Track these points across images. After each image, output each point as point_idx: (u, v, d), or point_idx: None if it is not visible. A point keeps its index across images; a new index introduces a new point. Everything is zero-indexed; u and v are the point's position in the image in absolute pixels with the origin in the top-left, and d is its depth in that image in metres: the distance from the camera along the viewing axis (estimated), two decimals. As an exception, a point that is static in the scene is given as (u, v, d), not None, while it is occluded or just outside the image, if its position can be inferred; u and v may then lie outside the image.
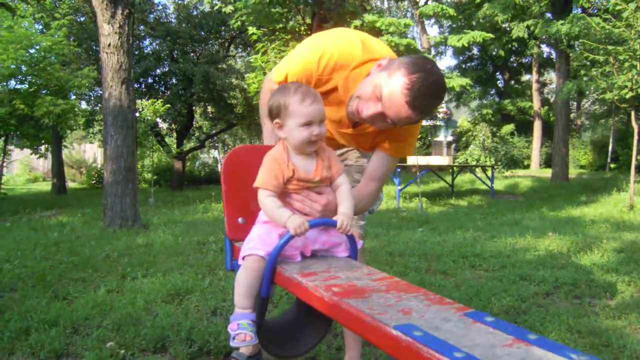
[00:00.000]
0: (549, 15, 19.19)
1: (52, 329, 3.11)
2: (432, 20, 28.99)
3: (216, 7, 13.55)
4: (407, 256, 5.37)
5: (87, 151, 29.75)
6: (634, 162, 10.18)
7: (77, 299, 3.77)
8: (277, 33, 9.57)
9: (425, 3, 22.31)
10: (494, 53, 28.07)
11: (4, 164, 12.69)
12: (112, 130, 7.48)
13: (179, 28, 18.19)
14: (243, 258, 1.83)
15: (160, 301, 3.72)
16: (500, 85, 33.32)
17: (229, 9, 9.94)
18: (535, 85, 29.18)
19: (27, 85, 11.81)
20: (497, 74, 33.15)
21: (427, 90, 1.79)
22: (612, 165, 24.54)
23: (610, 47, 10.08)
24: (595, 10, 16.78)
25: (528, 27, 20.13)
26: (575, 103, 30.22)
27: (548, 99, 31.47)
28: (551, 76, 33.22)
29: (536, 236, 6.66)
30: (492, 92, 33.46)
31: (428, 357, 1.12)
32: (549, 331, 3.16)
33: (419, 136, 25.55)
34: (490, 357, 1.09)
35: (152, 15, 18.70)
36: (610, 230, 7.42)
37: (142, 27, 18.07)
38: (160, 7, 20.65)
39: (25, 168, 30.01)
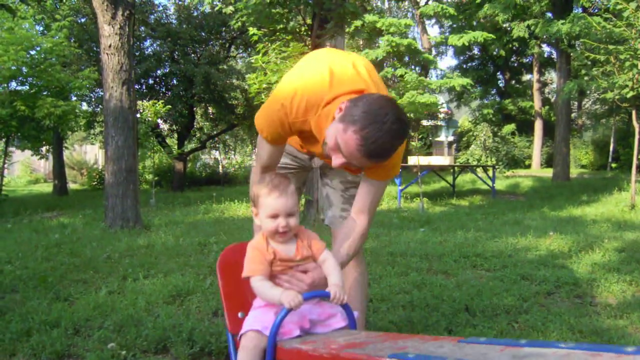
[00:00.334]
0: (549, 14, 19.19)
1: (53, 330, 3.11)
2: (433, 21, 28.97)
3: (216, 8, 13.55)
4: (409, 256, 5.36)
5: (88, 152, 29.80)
6: (635, 162, 10.17)
7: (79, 300, 3.78)
8: (277, 33, 9.56)
9: (426, 3, 22.32)
10: (494, 53, 28.08)
11: (5, 165, 12.71)
12: (113, 132, 7.48)
13: (180, 29, 18.20)
14: (240, 338, 1.87)
15: (161, 302, 3.72)
16: (501, 85, 33.31)
17: (229, 9, 9.94)
18: (536, 85, 29.17)
19: (27, 87, 11.83)
20: (498, 73, 33.15)
21: (383, 140, 1.77)
22: (613, 165, 24.56)
23: (611, 47, 10.07)
24: (596, 10, 16.81)
25: (529, 26, 20.11)
26: (576, 103, 30.20)
27: (549, 99, 31.46)
28: (552, 76, 33.21)
29: (537, 236, 6.65)
30: (493, 92, 33.46)
31: None
32: (550, 331, 3.15)
33: (420, 136, 25.62)
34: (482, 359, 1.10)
35: (152, 16, 18.71)
36: (612, 230, 7.41)
37: (142, 28, 18.09)
38: (160, 8, 20.66)
39: (27, 169, 30.07)
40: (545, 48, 28.71)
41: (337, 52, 2.26)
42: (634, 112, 10.38)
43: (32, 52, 11.62)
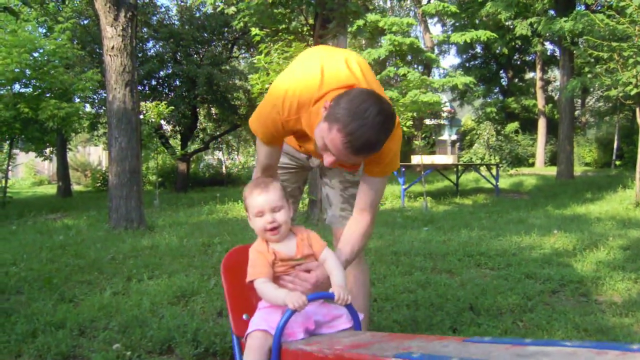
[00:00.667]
0: (552, 12, 19.16)
1: (58, 331, 3.12)
2: (435, 19, 28.95)
3: (219, 9, 13.56)
4: (412, 255, 5.36)
5: (92, 154, 29.90)
6: (639, 159, 10.14)
7: (83, 301, 3.79)
8: (280, 34, 9.58)
9: (428, 2, 22.29)
10: (497, 51, 28.01)
11: (10, 167, 12.74)
12: (117, 133, 7.49)
13: (182, 30, 18.22)
14: (246, 338, 1.87)
15: (166, 303, 3.73)
16: (504, 83, 33.23)
17: (231, 10, 9.95)
18: (539, 83, 29.09)
19: (31, 89, 11.87)
20: (501, 72, 33.06)
21: (367, 136, 1.76)
22: (618, 163, 24.49)
23: (614, 44, 10.04)
24: (599, 7, 16.76)
25: (531, 24, 20.08)
26: (579, 100, 30.13)
27: (552, 97, 31.39)
28: (555, 74, 33.13)
29: (541, 234, 6.64)
30: (496, 90, 33.38)
31: None
32: (555, 329, 3.15)
33: (423, 135, 25.60)
34: (486, 358, 1.10)
35: (155, 18, 18.74)
36: (616, 228, 7.39)
37: (145, 30, 18.11)
38: (163, 10, 20.62)
39: (31, 171, 30.16)
40: (548, 46, 28.65)
41: (331, 49, 2.27)
42: (637, 110, 10.36)
43: (35, 55, 11.66)
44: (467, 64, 32.52)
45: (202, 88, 17.04)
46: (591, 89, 24.67)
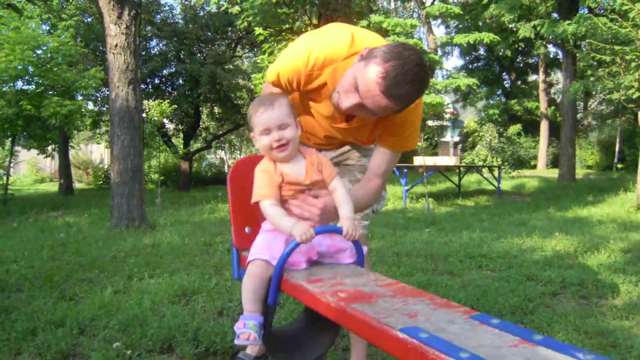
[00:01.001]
0: (555, 15, 19.15)
1: (58, 329, 3.12)
2: (439, 21, 28.95)
3: (223, 8, 13.57)
4: (414, 256, 5.36)
5: (94, 152, 29.90)
6: (641, 162, 10.14)
7: (84, 300, 3.79)
8: (283, 33, 9.59)
9: (432, 3, 22.28)
10: (500, 53, 28.01)
11: (12, 164, 12.75)
12: (119, 131, 7.50)
13: (186, 29, 18.22)
14: (247, 264, 1.84)
15: (166, 302, 3.73)
16: (506, 85, 33.25)
17: (235, 9, 9.96)
18: (541, 86, 29.10)
19: (34, 86, 11.86)
20: (504, 74, 33.09)
21: (403, 78, 1.75)
22: (619, 166, 24.48)
23: (617, 47, 10.04)
24: (602, 11, 16.72)
25: (534, 27, 20.06)
26: (582, 103, 30.10)
27: (555, 99, 31.37)
28: (558, 76, 33.10)
29: (543, 236, 6.64)
30: (498, 92, 33.40)
31: (433, 359, 1.12)
32: (555, 331, 3.15)
33: (426, 136, 25.57)
34: (495, 357, 1.09)
35: (158, 16, 18.74)
36: (617, 231, 7.39)
37: (148, 28, 18.12)
38: (167, 8, 20.65)
39: (32, 169, 30.17)
40: (551, 48, 28.65)
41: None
42: (639, 113, 10.34)
43: (39, 52, 11.66)
44: (470, 66, 32.54)
45: (205, 87, 17.03)
46: (593, 92, 24.69)
